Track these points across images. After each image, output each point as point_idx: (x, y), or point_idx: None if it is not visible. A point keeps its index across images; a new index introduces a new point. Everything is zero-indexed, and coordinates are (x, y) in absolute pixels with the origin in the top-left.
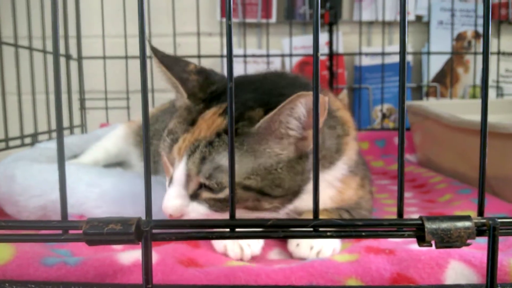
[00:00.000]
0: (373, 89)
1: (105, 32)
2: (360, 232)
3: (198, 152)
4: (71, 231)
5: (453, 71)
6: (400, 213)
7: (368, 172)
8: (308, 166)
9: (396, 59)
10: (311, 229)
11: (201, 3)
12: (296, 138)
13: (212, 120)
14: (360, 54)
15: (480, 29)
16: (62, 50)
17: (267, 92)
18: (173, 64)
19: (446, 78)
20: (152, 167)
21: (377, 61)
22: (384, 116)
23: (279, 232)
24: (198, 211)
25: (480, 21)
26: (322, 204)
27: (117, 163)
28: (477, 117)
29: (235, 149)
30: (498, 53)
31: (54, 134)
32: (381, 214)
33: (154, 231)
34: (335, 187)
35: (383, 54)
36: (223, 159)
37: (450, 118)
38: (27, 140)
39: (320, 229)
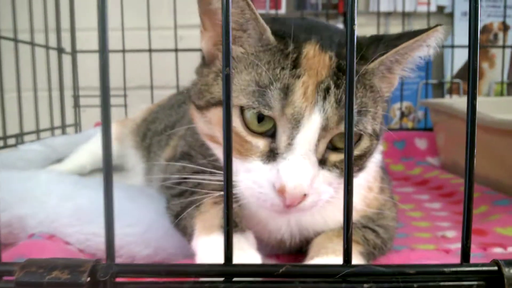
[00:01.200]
0: None
1: None
2: (411, 284)
3: (333, 94)
4: (5, 277)
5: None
6: (466, 256)
7: (387, 175)
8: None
9: None
10: (341, 279)
11: None
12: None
13: (319, 58)
14: None
15: (509, 21)
16: (53, 43)
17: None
18: None
19: None
20: (146, 168)
21: None
22: (403, 115)
23: (295, 283)
24: (328, 182)
25: (509, 12)
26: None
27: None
28: (509, 116)
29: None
30: None
31: (42, 134)
32: (409, 231)
33: (118, 279)
34: (361, 192)
35: None
36: (363, 98)
37: (482, 117)
38: (12, 141)
39: (354, 279)
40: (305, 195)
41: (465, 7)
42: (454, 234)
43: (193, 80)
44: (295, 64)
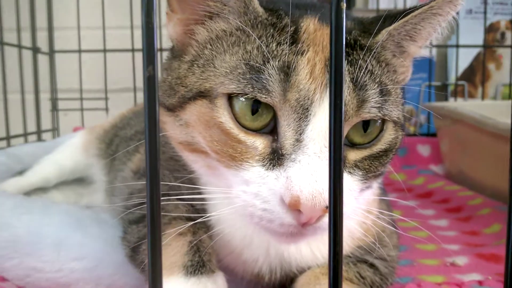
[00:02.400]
0: None
1: (81, 23)
2: None
3: (347, 72)
4: None
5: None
6: None
7: (385, 192)
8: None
9: None
10: None
11: None
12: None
13: (321, 32)
14: None
15: None
16: (28, 42)
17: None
18: None
19: (475, 76)
20: (105, 183)
21: None
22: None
23: None
24: (350, 189)
25: None
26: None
27: (75, 180)
28: None
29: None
30: None
31: (14, 141)
32: (414, 256)
33: None
34: (359, 214)
35: None
36: (382, 77)
37: (493, 123)
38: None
39: None
40: (326, 208)
41: (470, 5)
42: (465, 261)
43: (160, 78)
44: (295, 39)
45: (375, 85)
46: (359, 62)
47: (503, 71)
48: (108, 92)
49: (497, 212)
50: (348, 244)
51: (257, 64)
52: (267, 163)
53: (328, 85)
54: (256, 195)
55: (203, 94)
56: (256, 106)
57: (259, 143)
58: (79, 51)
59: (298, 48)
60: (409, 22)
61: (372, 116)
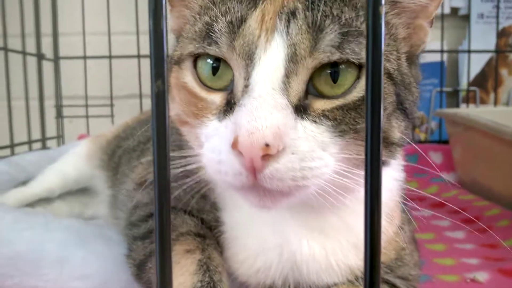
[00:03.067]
0: None
1: (86, 29)
2: None
3: (302, 16)
4: None
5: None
6: None
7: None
8: (414, 94)
9: (430, 58)
10: None
11: None
12: (413, 18)
13: None
14: None
15: None
16: (33, 48)
17: None
18: None
19: (488, 81)
20: (109, 193)
21: None
22: (414, 126)
23: None
24: (318, 141)
25: None
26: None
27: (80, 189)
28: None
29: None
30: None
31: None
32: (433, 271)
33: None
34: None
35: None
36: (353, 17)
37: (510, 131)
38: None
39: None
40: (268, 146)
41: (482, 8)
42: (485, 276)
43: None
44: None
45: (330, 27)
46: (321, 7)
47: None
48: (113, 99)
49: None
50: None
51: (210, 24)
52: (221, 115)
53: (276, 29)
54: (213, 148)
55: (176, 62)
56: (217, 66)
57: (218, 98)
58: (84, 57)
59: (255, 3)
60: None
61: (329, 57)
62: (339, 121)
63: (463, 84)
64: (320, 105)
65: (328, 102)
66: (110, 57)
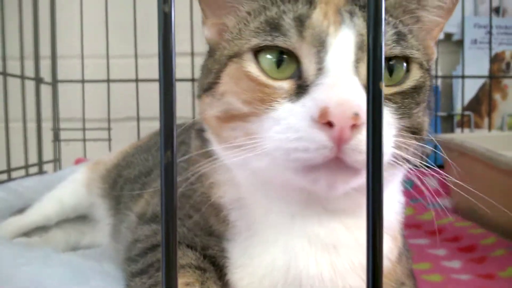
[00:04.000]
0: None
1: (85, 52)
2: None
3: (360, 14)
4: None
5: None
6: None
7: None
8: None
9: None
10: None
11: (196, 17)
12: (425, 35)
13: None
14: None
15: None
16: (31, 70)
17: None
18: None
19: (481, 106)
20: (111, 229)
21: None
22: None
23: None
24: (386, 121)
25: None
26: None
27: (78, 217)
28: None
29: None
30: None
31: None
32: None
33: None
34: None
35: None
36: (397, 20)
37: (505, 160)
38: None
39: None
40: (357, 116)
41: (476, 34)
42: None
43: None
44: (309, 2)
45: (389, 27)
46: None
47: (509, 101)
48: (111, 121)
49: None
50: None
51: (275, 20)
52: (293, 97)
53: (342, 22)
54: (288, 128)
55: (232, 56)
56: (281, 59)
57: (285, 84)
58: (83, 81)
59: (311, 5)
60: None
61: (391, 50)
62: (400, 105)
63: (458, 108)
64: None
65: (387, 88)
66: (108, 81)
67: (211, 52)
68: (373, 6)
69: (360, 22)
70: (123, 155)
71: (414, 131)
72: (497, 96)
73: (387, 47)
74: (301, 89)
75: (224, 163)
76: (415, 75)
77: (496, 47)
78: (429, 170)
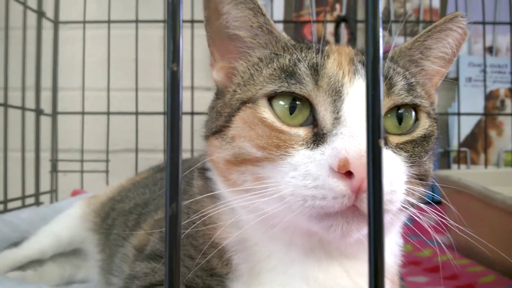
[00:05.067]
0: None
1: (86, 85)
2: None
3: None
4: None
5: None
6: None
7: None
8: (430, 151)
9: None
10: None
11: (197, 53)
12: (428, 81)
13: (343, 48)
14: None
15: None
16: (32, 101)
17: None
18: None
19: (477, 142)
20: (101, 274)
21: None
22: None
23: None
24: (395, 165)
25: None
26: None
27: (73, 251)
28: None
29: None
30: None
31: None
32: None
33: None
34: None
35: None
36: (406, 72)
37: (501, 198)
38: None
39: None
40: None
41: (470, 73)
42: None
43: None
44: (321, 51)
45: (400, 77)
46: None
47: (504, 137)
48: (109, 153)
49: None
50: None
51: (290, 67)
52: (311, 145)
53: (355, 72)
54: (306, 175)
55: (246, 101)
56: (294, 105)
57: (301, 131)
58: (83, 113)
59: (324, 54)
60: (417, 40)
61: (402, 100)
62: (411, 153)
63: (454, 145)
64: (393, 139)
65: (398, 137)
66: (108, 113)
67: (220, 94)
68: (371, 64)
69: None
70: (118, 190)
71: (421, 177)
72: (492, 133)
73: (399, 97)
74: (317, 136)
75: (229, 206)
76: (424, 124)
77: (491, 85)
78: (428, 206)
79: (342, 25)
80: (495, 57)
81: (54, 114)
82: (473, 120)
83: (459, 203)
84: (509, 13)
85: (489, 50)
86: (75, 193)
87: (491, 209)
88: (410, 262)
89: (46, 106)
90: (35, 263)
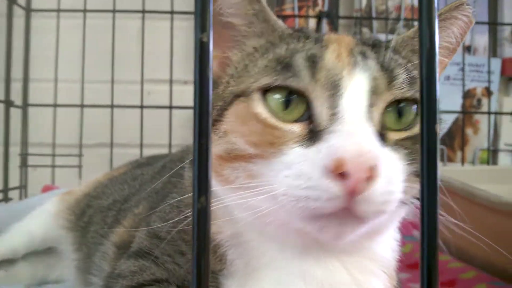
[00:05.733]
0: None
1: (59, 76)
2: None
3: (373, 56)
4: None
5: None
6: None
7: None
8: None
9: None
10: None
11: (176, 45)
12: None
13: (342, 37)
14: None
15: (493, 86)
16: (1, 95)
17: None
18: None
19: (454, 140)
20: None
21: None
22: None
23: None
24: (394, 163)
25: (493, 78)
26: None
27: (47, 249)
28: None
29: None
30: None
31: None
32: None
33: None
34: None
35: None
36: (409, 68)
37: (485, 195)
38: None
39: None
40: (373, 169)
41: (448, 71)
42: None
43: None
44: (319, 40)
45: (401, 69)
46: (383, 53)
47: (480, 136)
48: (83, 147)
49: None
50: None
51: (286, 59)
52: (306, 142)
53: (355, 65)
54: (299, 175)
55: (239, 95)
56: (289, 100)
57: (296, 127)
58: (55, 105)
59: (322, 44)
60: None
61: (404, 94)
62: (410, 150)
63: None
64: (392, 135)
65: (397, 133)
66: (82, 106)
67: (213, 85)
68: (428, 43)
69: (373, 65)
70: (95, 185)
71: (418, 174)
72: (469, 131)
73: (400, 90)
74: (313, 133)
75: (223, 203)
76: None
77: (468, 84)
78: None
79: (324, 21)
80: (473, 56)
81: (25, 106)
82: (450, 118)
83: (442, 201)
84: (487, 13)
85: (468, 49)
86: (46, 189)
87: (471, 204)
88: (412, 265)
89: (16, 97)
90: (6, 262)
